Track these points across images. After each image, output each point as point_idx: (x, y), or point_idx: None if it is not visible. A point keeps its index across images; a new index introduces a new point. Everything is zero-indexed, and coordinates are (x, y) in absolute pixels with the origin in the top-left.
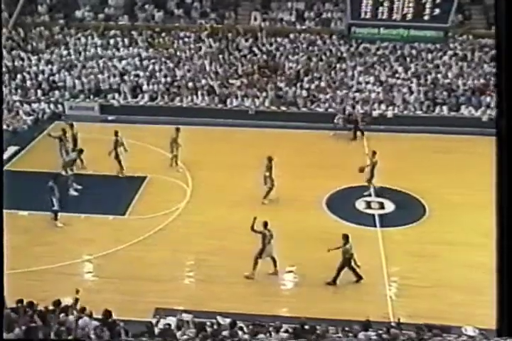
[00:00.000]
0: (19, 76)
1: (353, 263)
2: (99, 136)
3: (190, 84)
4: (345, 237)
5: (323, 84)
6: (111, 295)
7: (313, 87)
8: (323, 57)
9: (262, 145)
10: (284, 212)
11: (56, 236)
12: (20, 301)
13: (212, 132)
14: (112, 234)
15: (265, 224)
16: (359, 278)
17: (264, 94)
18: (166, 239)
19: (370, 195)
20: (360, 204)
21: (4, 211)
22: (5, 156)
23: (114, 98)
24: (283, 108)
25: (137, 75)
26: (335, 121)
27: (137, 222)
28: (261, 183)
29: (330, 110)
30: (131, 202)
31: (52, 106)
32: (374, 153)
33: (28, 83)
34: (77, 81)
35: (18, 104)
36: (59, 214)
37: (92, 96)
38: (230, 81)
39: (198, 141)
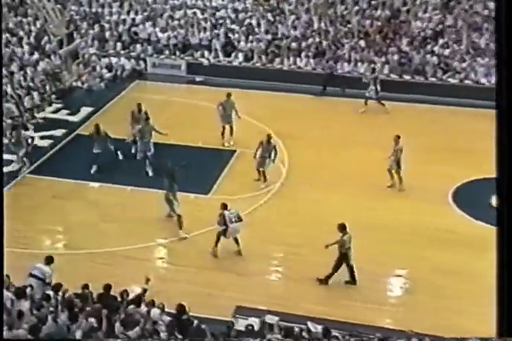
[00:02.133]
0: (97, 25)
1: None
2: (184, 100)
3: (293, 44)
4: (342, 227)
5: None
6: (185, 286)
7: (446, 52)
8: (464, 16)
9: (374, 121)
10: (396, 203)
11: (127, 214)
12: (86, 286)
13: (316, 102)
14: (192, 216)
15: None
16: (353, 280)
17: (383, 59)
18: (252, 226)
19: None
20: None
21: (73, 181)
22: (78, 118)
23: (203, 56)
24: (406, 77)
25: (231, 30)
26: None
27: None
28: (367, 164)
29: (466, 82)
30: (216, 180)
31: (133, 61)
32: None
33: (107, 34)
34: (162, 34)
35: (94, 57)
36: (129, 187)
37: (178, 53)
38: (342, 41)
39: (299, 112)
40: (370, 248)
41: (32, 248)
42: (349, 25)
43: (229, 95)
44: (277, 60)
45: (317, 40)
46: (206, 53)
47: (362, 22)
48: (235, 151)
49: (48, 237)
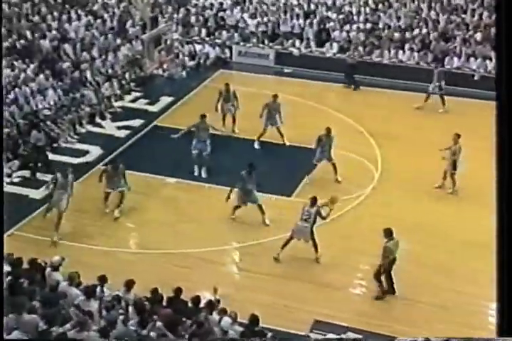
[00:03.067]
0: (182, 9)
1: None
2: (271, 93)
3: (396, 35)
4: (389, 233)
5: None
6: (261, 295)
7: None
8: None
9: (476, 121)
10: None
11: (204, 214)
12: (155, 290)
13: (416, 99)
14: (272, 219)
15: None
16: (392, 291)
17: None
18: (338, 233)
19: None
20: None
21: (150, 175)
22: (157, 108)
23: (294, 45)
24: None
25: (327, 18)
26: None
27: None
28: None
29: None
30: (301, 181)
31: (217, 49)
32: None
33: (193, 19)
34: (250, 20)
35: (177, 44)
36: (207, 185)
37: (267, 42)
38: (453, 33)
39: (398, 110)
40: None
41: (102, 244)
42: (463, 15)
43: (275, 96)
44: (377, 52)
45: (424, 31)
46: (297, 42)
47: (477, 11)
48: None
49: (120, 234)
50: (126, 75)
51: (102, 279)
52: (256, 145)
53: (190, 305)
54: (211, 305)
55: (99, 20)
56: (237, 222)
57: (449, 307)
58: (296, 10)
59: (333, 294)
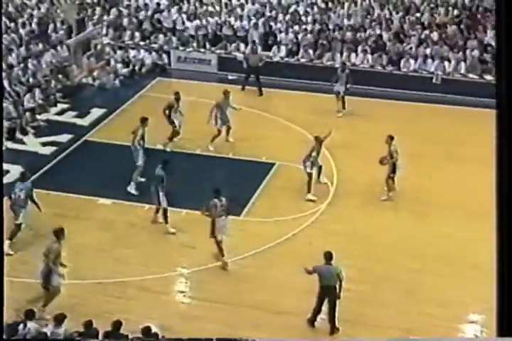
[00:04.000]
0: (114, 10)
1: None
2: (214, 102)
3: (348, 35)
4: (328, 257)
5: None
6: (211, 325)
7: None
8: None
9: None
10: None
11: (144, 238)
12: (90, 323)
13: (375, 105)
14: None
15: (216, 191)
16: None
17: (459, 55)
18: (292, 254)
19: None
20: None
21: (81, 196)
22: (87, 121)
23: (238, 49)
24: (488, 77)
25: (273, 19)
26: None
27: (256, 227)
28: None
29: None
30: (250, 198)
31: (154, 55)
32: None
33: (125, 21)
34: (189, 23)
35: (108, 49)
36: (147, 205)
37: (208, 46)
38: (409, 33)
39: (348, 117)
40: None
41: (29, 276)
42: (417, 14)
43: (227, 93)
44: (327, 55)
45: (377, 31)
46: (242, 46)
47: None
48: (273, 164)
49: None
50: (51, 85)
51: (29, 314)
52: (211, 147)
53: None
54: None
55: (16, 23)
56: (183, 246)
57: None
58: (239, 10)
59: (288, 319)
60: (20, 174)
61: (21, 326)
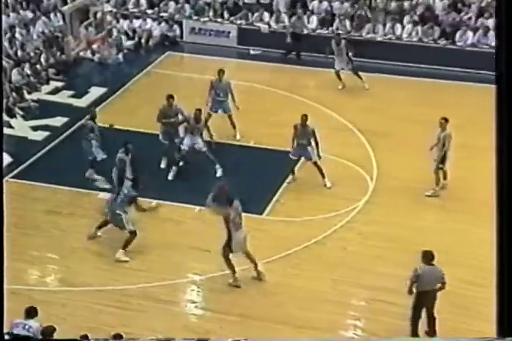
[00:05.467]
0: None
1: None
2: (234, 81)
3: (392, 4)
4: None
5: None
6: None
7: None
8: None
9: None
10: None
11: (150, 240)
12: (85, 337)
13: (422, 86)
14: None
15: (228, 198)
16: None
17: None
18: (322, 260)
19: None
20: None
21: (78, 190)
22: (85, 102)
23: (262, 19)
24: None
25: None
26: None
27: (280, 228)
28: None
29: None
30: (274, 194)
31: (163, 25)
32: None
33: None
34: None
35: (110, 18)
36: (154, 201)
37: (227, 15)
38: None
39: (386, 99)
40: None
41: (17, 283)
42: None
43: (221, 72)
44: (368, 26)
45: None
46: (266, 16)
47: None
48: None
49: (39, 269)
50: (42, 59)
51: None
52: (237, 136)
53: None
54: None
55: None
56: (196, 249)
57: None
58: None
59: (316, 333)
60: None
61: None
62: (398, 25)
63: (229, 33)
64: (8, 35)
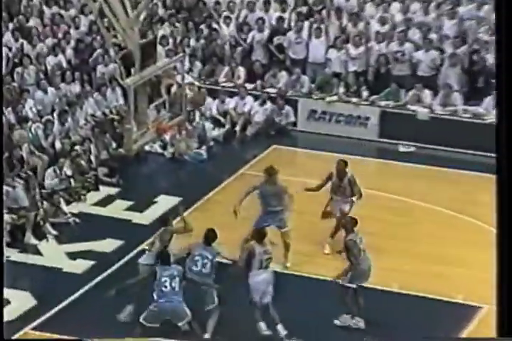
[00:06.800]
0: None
1: None
2: (371, 192)
3: None
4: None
5: None
6: None
7: None
8: None
9: None
10: None
11: None
12: None
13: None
14: None
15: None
16: None
17: None
18: None
19: None
20: None
21: None
22: (149, 218)
23: (418, 101)
24: None
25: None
26: None
27: None
28: None
29: None
30: None
31: (268, 106)
32: None
33: (222, 48)
34: (333, 51)
35: (192, 95)
36: None
37: (365, 93)
38: None
39: None
40: None
41: None
42: None
43: (271, 172)
44: None
45: None
46: (427, 94)
47: None
48: None
49: None
50: (91, 154)
51: None
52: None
53: None
54: None
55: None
56: None
57: None
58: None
59: None
60: None
61: None
62: None
63: (367, 118)
64: (44, 118)
